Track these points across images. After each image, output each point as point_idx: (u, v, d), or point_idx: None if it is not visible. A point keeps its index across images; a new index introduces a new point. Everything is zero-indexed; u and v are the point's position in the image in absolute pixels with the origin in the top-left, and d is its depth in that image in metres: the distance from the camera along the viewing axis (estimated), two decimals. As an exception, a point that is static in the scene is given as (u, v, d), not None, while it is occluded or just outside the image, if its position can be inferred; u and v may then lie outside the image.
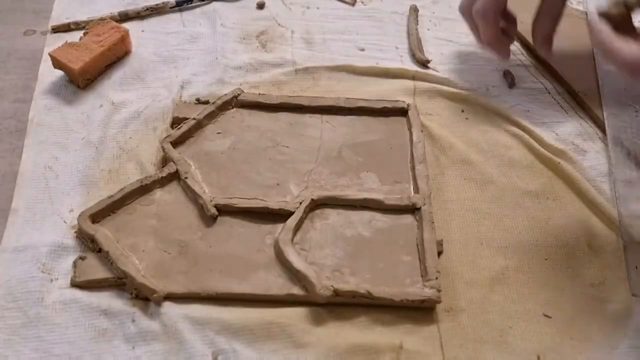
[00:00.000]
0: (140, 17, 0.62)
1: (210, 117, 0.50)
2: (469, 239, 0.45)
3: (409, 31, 0.63)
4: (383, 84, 0.57)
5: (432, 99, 0.56)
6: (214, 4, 0.64)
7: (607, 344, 0.40)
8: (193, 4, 0.64)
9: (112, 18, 0.58)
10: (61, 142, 0.49)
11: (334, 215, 0.44)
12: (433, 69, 0.60)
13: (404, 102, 0.53)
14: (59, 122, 0.50)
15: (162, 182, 0.45)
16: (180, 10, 0.63)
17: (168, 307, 0.39)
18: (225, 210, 0.44)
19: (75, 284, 0.40)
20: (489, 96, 0.57)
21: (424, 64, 0.59)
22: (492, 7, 0.51)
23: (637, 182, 0.50)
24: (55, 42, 0.58)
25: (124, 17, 0.61)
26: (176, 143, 0.48)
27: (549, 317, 0.41)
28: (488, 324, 0.40)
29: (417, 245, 0.43)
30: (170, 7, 0.63)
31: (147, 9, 0.62)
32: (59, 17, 0.61)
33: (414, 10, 0.66)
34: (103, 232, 0.41)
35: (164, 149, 0.47)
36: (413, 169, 0.48)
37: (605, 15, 0.44)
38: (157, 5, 0.62)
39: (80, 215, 0.42)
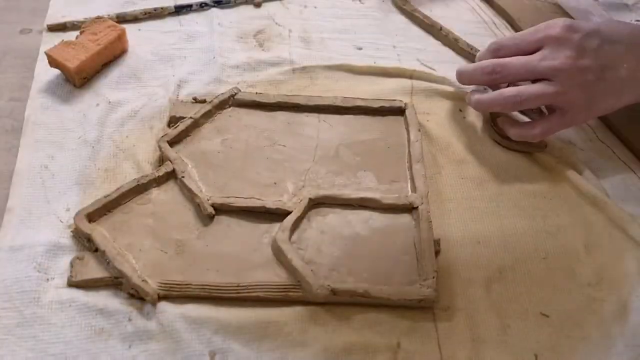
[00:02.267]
0: (138, 20, 0.62)
1: (207, 116, 0.50)
2: (466, 238, 0.45)
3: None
4: (380, 83, 0.57)
5: (430, 98, 0.56)
6: (213, 8, 0.64)
7: (604, 343, 0.40)
8: (192, 9, 0.63)
9: (110, 19, 0.58)
10: (57, 141, 0.49)
11: (331, 215, 0.44)
12: (430, 68, 0.60)
13: (401, 101, 0.53)
14: (55, 121, 0.50)
15: (158, 181, 0.45)
16: (178, 15, 0.63)
17: (164, 307, 0.39)
18: (222, 210, 0.44)
19: (72, 284, 0.39)
20: (486, 95, 0.57)
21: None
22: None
23: None
24: (52, 40, 0.58)
25: (122, 19, 0.61)
26: (173, 142, 0.48)
27: (547, 316, 0.41)
28: (485, 323, 0.40)
29: (415, 244, 0.43)
30: (169, 13, 0.63)
31: (146, 14, 0.62)
32: (55, 15, 0.61)
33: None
34: (99, 232, 0.41)
35: (160, 148, 0.47)
36: (410, 168, 0.47)
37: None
38: (155, 10, 0.62)
39: (76, 214, 0.42)
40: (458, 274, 0.43)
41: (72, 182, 0.46)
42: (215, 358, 0.37)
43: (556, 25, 0.45)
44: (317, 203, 0.45)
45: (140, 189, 0.44)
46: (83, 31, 0.55)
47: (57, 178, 0.46)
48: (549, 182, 0.49)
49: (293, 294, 0.39)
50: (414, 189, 0.46)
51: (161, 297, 0.39)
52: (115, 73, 0.55)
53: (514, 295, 0.42)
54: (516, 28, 0.67)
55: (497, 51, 0.48)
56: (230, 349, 0.37)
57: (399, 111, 0.53)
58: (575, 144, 0.53)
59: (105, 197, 0.43)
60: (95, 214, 0.42)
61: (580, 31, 0.45)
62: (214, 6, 0.64)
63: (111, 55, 0.55)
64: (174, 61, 0.57)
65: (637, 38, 0.45)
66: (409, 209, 0.45)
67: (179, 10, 0.63)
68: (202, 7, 0.64)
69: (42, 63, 0.55)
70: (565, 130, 0.55)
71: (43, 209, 0.44)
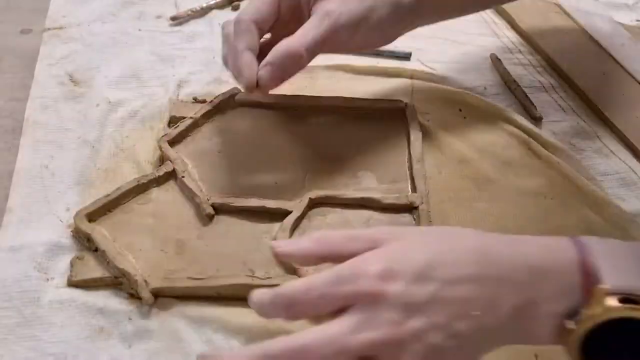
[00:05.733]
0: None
1: (207, 116, 0.50)
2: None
3: (510, 85, 0.58)
4: (381, 83, 0.57)
5: (430, 98, 0.56)
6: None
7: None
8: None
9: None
10: (57, 141, 0.49)
11: (331, 215, 0.44)
12: (430, 68, 0.60)
13: (401, 101, 0.53)
14: (55, 121, 0.50)
15: (158, 181, 0.45)
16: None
17: (164, 306, 0.39)
18: (222, 210, 0.44)
19: (72, 284, 0.39)
20: (486, 95, 0.57)
21: (538, 120, 0.55)
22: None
23: None
24: (51, 40, 0.58)
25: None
26: (173, 142, 0.48)
27: (547, 316, 0.41)
28: (486, 323, 0.40)
29: (415, 244, 0.42)
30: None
31: None
32: (55, 15, 0.61)
33: (497, 58, 0.61)
34: (99, 231, 0.41)
35: (161, 148, 0.47)
36: (411, 168, 0.47)
37: None
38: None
39: (76, 214, 0.42)
40: (458, 273, 0.42)
41: (72, 182, 0.46)
42: (216, 357, 0.37)
43: (366, 272, 0.30)
44: (317, 203, 0.45)
45: (140, 188, 0.44)
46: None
47: (57, 178, 0.46)
48: (549, 182, 0.49)
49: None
50: (414, 188, 0.46)
51: (161, 297, 0.39)
52: (115, 73, 0.55)
53: (515, 295, 0.42)
54: (516, 28, 0.67)
55: (290, 307, 0.31)
56: (230, 348, 0.37)
57: (399, 111, 0.52)
58: (575, 144, 0.53)
59: (105, 197, 0.43)
60: (95, 214, 0.42)
61: (402, 277, 0.30)
62: None
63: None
64: (174, 61, 0.57)
65: (486, 266, 0.30)
66: (409, 208, 0.45)
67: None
68: None
69: (42, 63, 0.55)
70: (565, 130, 0.55)
71: (43, 209, 0.44)
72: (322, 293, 0.30)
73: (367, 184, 0.46)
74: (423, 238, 0.33)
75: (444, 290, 0.30)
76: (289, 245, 0.35)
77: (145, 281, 0.38)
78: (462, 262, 0.30)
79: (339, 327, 0.29)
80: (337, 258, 0.32)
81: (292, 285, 0.31)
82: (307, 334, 0.29)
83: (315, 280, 0.31)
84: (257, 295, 0.31)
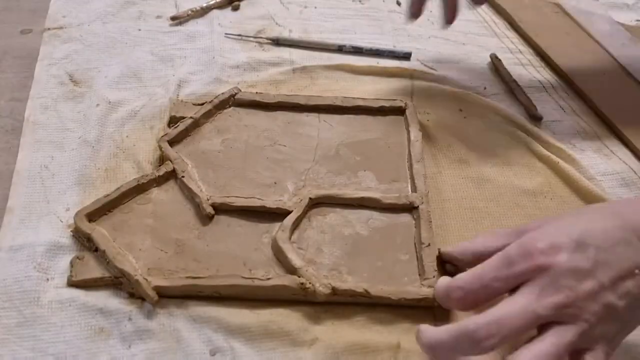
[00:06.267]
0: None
1: (207, 116, 0.50)
2: (466, 238, 0.45)
3: (510, 85, 0.58)
4: (380, 83, 0.57)
5: (430, 97, 0.56)
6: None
7: (605, 343, 0.39)
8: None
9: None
10: (57, 141, 0.49)
11: (331, 214, 0.44)
12: (430, 68, 0.60)
13: (401, 100, 0.53)
14: (55, 121, 0.50)
15: (158, 181, 0.45)
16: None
17: (165, 306, 0.39)
18: (222, 209, 0.44)
19: (72, 284, 0.39)
20: (486, 95, 0.57)
21: (538, 120, 0.55)
22: None
23: None
24: (51, 40, 0.58)
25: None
26: (173, 142, 0.48)
27: (547, 316, 0.41)
28: (486, 323, 0.40)
29: (415, 244, 0.43)
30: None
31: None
32: (55, 15, 0.61)
33: (497, 58, 0.61)
34: (99, 231, 0.41)
35: (161, 148, 0.47)
36: (411, 167, 0.47)
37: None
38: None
39: (76, 214, 0.42)
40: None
41: (72, 182, 0.46)
42: (216, 357, 0.37)
43: (533, 250, 0.33)
44: (317, 202, 0.45)
45: (140, 188, 0.44)
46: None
47: (57, 178, 0.46)
48: (549, 182, 0.49)
49: (293, 293, 0.39)
50: (414, 188, 0.46)
51: (161, 297, 0.39)
52: (115, 73, 0.55)
53: (515, 295, 0.42)
54: (516, 28, 0.67)
55: (463, 300, 0.35)
56: (230, 348, 0.37)
57: (400, 111, 0.53)
58: (575, 144, 0.53)
59: (105, 197, 0.43)
60: (95, 214, 0.42)
61: (564, 248, 0.33)
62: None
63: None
64: (174, 61, 0.57)
65: (629, 229, 0.34)
66: (409, 208, 0.45)
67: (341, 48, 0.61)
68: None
69: (42, 63, 0.55)
70: (565, 130, 0.55)
71: (43, 209, 0.44)
72: (495, 276, 0.34)
73: (367, 183, 0.46)
74: (566, 218, 0.36)
75: (601, 254, 0.33)
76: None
77: (146, 279, 0.38)
78: (608, 229, 0.34)
79: (525, 298, 0.32)
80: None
81: (460, 277, 0.35)
82: (499, 309, 0.32)
83: (485, 267, 0.35)
84: (438, 284, 0.37)
